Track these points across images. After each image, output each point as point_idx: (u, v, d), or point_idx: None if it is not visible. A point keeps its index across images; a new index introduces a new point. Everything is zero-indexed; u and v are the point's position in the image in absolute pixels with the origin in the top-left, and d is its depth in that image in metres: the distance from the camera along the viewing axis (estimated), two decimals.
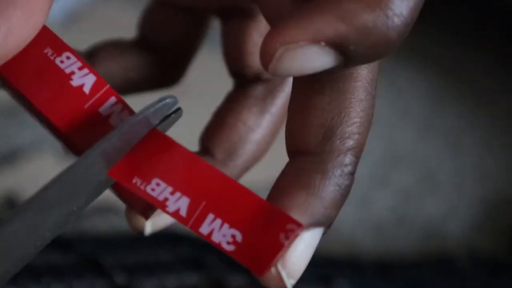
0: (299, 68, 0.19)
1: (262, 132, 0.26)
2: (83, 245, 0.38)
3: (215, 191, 0.20)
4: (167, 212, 0.20)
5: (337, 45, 0.19)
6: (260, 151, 0.27)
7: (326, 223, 0.21)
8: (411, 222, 0.54)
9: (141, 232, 0.24)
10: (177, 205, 0.20)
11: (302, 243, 0.20)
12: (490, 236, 0.54)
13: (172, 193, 0.20)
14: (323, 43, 0.19)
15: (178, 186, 0.20)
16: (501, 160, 0.61)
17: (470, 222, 0.55)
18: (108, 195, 0.28)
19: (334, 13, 0.19)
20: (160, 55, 0.28)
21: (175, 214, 0.20)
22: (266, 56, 0.19)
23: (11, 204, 0.48)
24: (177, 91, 0.30)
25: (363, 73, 0.21)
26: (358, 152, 0.21)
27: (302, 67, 0.19)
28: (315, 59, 0.19)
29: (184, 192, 0.20)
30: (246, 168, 0.27)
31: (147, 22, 0.28)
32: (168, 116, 0.21)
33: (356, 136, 0.21)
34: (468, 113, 0.65)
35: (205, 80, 0.50)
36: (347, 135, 0.21)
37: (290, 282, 0.20)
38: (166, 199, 0.20)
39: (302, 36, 0.18)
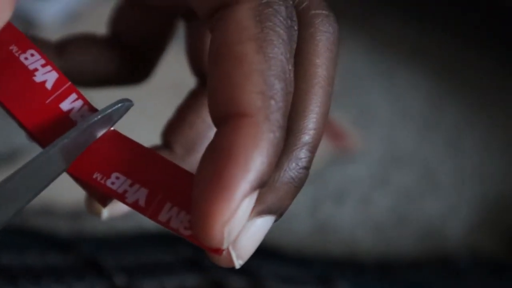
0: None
1: None
2: (83, 246, 0.38)
3: (171, 181, 0.21)
4: (127, 204, 0.21)
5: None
6: None
7: (278, 212, 0.21)
8: (411, 222, 0.54)
9: (99, 217, 0.25)
10: (136, 196, 0.21)
11: (253, 227, 0.20)
12: (490, 236, 0.54)
13: (131, 185, 0.21)
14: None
15: (136, 179, 0.21)
16: (501, 160, 0.61)
17: (470, 222, 0.55)
18: None
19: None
20: (128, 53, 0.28)
21: (135, 205, 0.21)
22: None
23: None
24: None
25: (320, 72, 0.21)
26: (313, 147, 0.21)
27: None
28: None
29: (142, 184, 0.21)
30: None
31: (117, 20, 0.29)
32: (117, 105, 0.22)
33: (312, 132, 0.21)
34: (468, 113, 0.65)
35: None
36: (303, 130, 0.21)
37: (238, 262, 0.21)
38: (125, 191, 0.21)
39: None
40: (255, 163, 0.19)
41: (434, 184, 0.57)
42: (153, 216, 0.20)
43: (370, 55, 0.69)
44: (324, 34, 0.22)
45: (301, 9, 0.22)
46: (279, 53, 0.20)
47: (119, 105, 0.22)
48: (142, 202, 0.21)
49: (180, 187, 0.21)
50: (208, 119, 0.26)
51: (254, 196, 0.19)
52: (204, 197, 0.19)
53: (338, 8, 0.81)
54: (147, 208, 0.21)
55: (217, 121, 0.20)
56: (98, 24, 0.30)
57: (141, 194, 0.21)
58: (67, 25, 0.66)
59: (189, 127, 0.27)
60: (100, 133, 0.22)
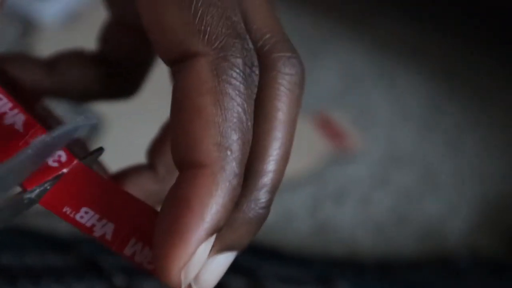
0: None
1: None
2: (83, 247, 0.37)
3: (137, 217, 0.22)
4: (95, 237, 0.22)
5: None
6: None
7: (238, 248, 0.22)
8: (411, 222, 0.54)
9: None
10: (103, 230, 0.22)
11: (214, 264, 0.22)
12: (490, 236, 0.54)
13: (99, 220, 0.22)
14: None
15: (104, 214, 0.22)
16: (501, 160, 0.61)
17: (470, 222, 0.55)
18: None
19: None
20: (117, 69, 0.29)
21: (101, 238, 0.22)
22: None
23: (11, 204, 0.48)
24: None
25: (281, 115, 0.22)
26: (272, 187, 0.22)
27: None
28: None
29: (110, 219, 0.22)
30: None
31: (105, 37, 0.29)
32: (91, 154, 0.23)
33: (271, 174, 0.22)
34: (468, 113, 0.65)
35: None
36: (263, 172, 0.22)
37: None
38: (93, 225, 0.22)
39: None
40: (210, 211, 0.20)
41: (434, 184, 0.57)
42: (119, 250, 0.22)
43: (370, 55, 0.69)
44: (286, 77, 0.22)
45: (264, 51, 0.22)
46: (235, 104, 0.21)
47: (83, 122, 0.22)
48: (109, 236, 0.22)
49: (145, 223, 0.22)
50: None
51: (210, 240, 0.21)
52: (162, 242, 0.20)
53: (338, 8, 0.81)
54: (113, 242, 0.22)
55: (178, 167, 0.21)
56: (98, 24, 0.30)
57: (108, 229, 0.22)
58: (67, 25, 0.66)
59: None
60: (53, 152, 0.23)
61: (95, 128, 0.24)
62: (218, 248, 0.21)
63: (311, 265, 0.44)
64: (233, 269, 0.38)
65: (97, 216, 0.22)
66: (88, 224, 0.22)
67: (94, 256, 0.36)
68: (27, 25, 0.65)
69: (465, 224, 0.54)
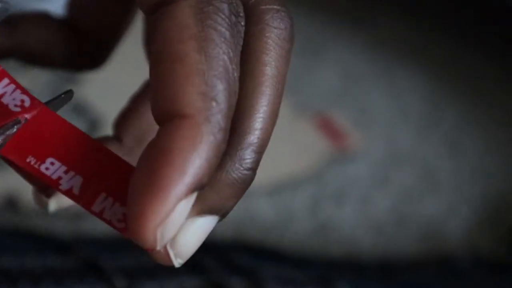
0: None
1: None
2: (83, 248, 0.37)
3: (108, 171, 0.20)
4: (60, 191, 0.20)
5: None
6: None
7: (221, 213, 0.21)
8: (411, 222, 0.54)
9: (46, 210, 0.24)
10: (71, 183, 0.20)
11: (193, 227, 0.20)
12: (490, 236, 0.54)
13: (66, 172, 0.20)
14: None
15: (72, 166, 0.20)
16: (501, 160, 0.61)
17: (470, 222, 0.55)
18: None
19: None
20: (84, 37, 0.28)
21: (68, 193, 0.20)
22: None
23: (11, 204, 0.48)
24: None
25: (269, 70, 0.21)
26: (259, 147, 0.21)
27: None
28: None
29: (78, 172, 0.20)
30: None
31: (74, 3, 0.28)
32: (59, 96, 0.22)
33: (258, 132, 0.21)
34: (468, 113, 0.65)
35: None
36: (249, 130, 0.21)
37: (178, 261, 0.20)
38: (59, 178, 0.20)
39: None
40: (192, 166, 0.18)
41: (434, 184, 0.57)
42: (86, 206, 0.20)
43: (370, 54, 0.69)
44: (274, 30, 0.21)
45: (251, 3, 0.21)
46: (221, 52, 0.19)
47: (61, 96, 0.21)
48: (76, 190, 0.20)
49: (117, 178, 0.20)
50: None
51: (191, 198, 0.19)
52: (138, 197, 0.18)
53: (338, 8, 0.81)
54: (81, 197, 0.20)
55: (159, 120, 0.19)
56: None
57: (76, 182, 0.20)
58: None
59: (139, 118, 0.26)
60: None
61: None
62: (199, 210, 0.20)
63: (311, 266, 0.44)
64: (233, 269, 0.38)
65: (64, 168, 0.20)
66: (54, 176, 0.20)
67: (94, 258, 0.36)
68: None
69: (465, 224, 0.54)
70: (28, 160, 0.20)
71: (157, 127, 0.25)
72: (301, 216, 0.52)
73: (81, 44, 0.28)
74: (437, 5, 0.74)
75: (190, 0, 0.19)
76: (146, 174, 0.19)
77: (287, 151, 0.54)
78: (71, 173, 0.20)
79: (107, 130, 0.28)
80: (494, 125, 0.64)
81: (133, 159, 0.25)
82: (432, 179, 0.58)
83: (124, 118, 0.27)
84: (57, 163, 0.20)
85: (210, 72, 0.19)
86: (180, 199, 0.18)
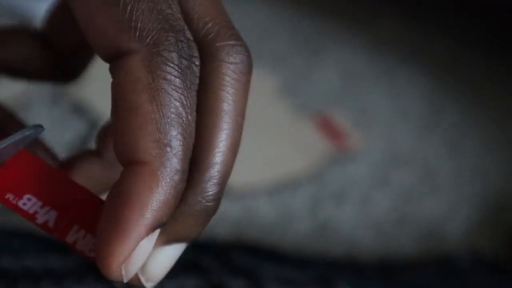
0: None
1: None
2: None
3: (80, 205, 0.22)
4: (37, 224, 0.22)
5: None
6: None
7: (187, 240, 0.22)
8: (411, 222, 0.54)
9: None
10: (46, 217, 0.22)
11: (161, 255, 0.22)
12: (490, 236, 0.54)
13: (41, 207, 0.22)
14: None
15: (47, 201, 0.22)
16: (501, 160, 0.61)
17: (470, 222, 0.55)
18: (103, 196, 0.28)
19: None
20: (59, 52, 0.29)
21: (44, 226, 0.22)
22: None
23: None
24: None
25: (225, 106, 0.22)
26: (220, 179, 0.22)
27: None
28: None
29: (52, 206, 0.22)
30: None
31: (51, 19, 0.29)
32: (28, 131, 0.23)
33: (218, 166, 0.22)
34: (468, 113, 0.65)
35: None
36: (209, 165, 0.22)
37: (149, 284, 0.22)
38: (36, 212, 0.22)
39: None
40: (150, 208, 0.20)
41: (434, 184, 0.57)
42: (61, 237, 0.22)
43: (370, 55, 0.69)
44: (230, 66, 0.22)
45: (207, 40, 0.22)
46: (172, 99, 0.21)
47: (29, 132, 0.23)
48: (51, 223, 0.22)
49: (88, 210, 0.22)
50: None
51: (153, 235, 0.21)
52: (104, 237, 0.20)
53: (338, 8, 0.81)
54: (55, 229, 0.22)
55: (121, 163, 0.21)
56: None
57: (51, 216, 0.22)
58: None
59: None
60: (7, 158, 0.23)
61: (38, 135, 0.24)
62: (165, 240, 0.22)
63: (311, 266, 0.44)
64: (233, 269, 0.38)
65: (40, 203, 0.22)
66: (31, 211, 0.22)
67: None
68: (25, 25, 0.65)
69: (465, 224, 0.54)
70: (7, 196, 0.22)
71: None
72: (301, 216, 0.52)
73: (56, 58, 0.29)
74: (437, 5, 0.74)
75: (141, 53, 0.21)
76: (110, 215, 0.20)
77: (287, 151, 0.54)
78: (46, 208, 0.22)
79: None
80: (494, 125, 0.64)
81: (113, 174, 0.26)
82: (432, 179, 0.58)
83: (105, 133, 0.27)
84: (34, 199, 0.22)
85: (163, 120, 0.20)
86: (140, 238, 0.20)
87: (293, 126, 0.58)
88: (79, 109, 0.52)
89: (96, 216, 0.21)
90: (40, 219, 0.22)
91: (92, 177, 0.27)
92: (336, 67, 0.66)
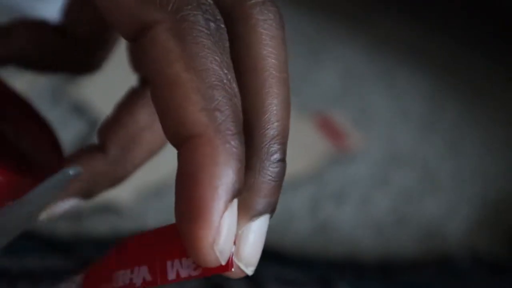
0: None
1: (153, 133, 0.27)
2: (83, 249, 0.37)
3: (159, 244, 0.22)
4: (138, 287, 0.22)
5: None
6: (151, 151, 0.27)
7: (269, 210, 0.22)
8: (411, 222, 0.54)
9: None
10: (141, 276, 0.22)
11: (251, 233, 0.21)
12: (490, 236, 0.54)
13: (132, 272, 0.22)
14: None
15: (132, 264, 0.22)
16: (501, 160, 0.61)
17: (471, 222, 0.55)
18: (106, 194, 0.28)
19: None
20: (78, 43, 0.28)
21: (144, 284, 0.22)
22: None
23: None
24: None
25: (270, 63, 0.21)
26: (282, 138, 0.22)
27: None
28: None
29: (139, 264, 0.22)
30: (137, 167, 0.27)
31: (70, 10, 0.29)
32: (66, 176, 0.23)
33: (276, 124, 0.21)
34: (468, 113, 0.65)
35: None
36: (267, 125, 0.21)
37: (249, 269, 0.21)
38: (131, 279, 0.22)
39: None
40: (220, 178, 0.19)
41: (434, 184, 0.57)
42: (164, 281, 0.21)
43: (370, 55, 0.69)
44: (266, 22, 0.22)
45: (234, 1, 0.22)
46: (208, 63, 0.20)
47: (63, 175, 0.22)
48: (148, 277, 0.22)
49: (169, 242, 0.21)
50: (141, 120, 0.27)
51: (233, 207, 0.20)
52: (186, 229, 0.19)
53: (338, 8, 0.81)
54: (156, 279, 0.21)
55: (174, 145, 0.20)
56: None
57: (144, 272, 0.22)
58: None
59: (121, 127, 0.27)
60: (46, 202, 0.22)
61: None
62: (249, 215, 0.21)
63: (311, 266, 0.44)
64: None
65: (128, 271, 0.22)
66: (127, 281, 0.22)
67: (94, 258, 0.36)
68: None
69: (465, 224, 0.54)
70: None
71: (142, 135, 0.25)
72: (301, 216, 0.52)
73: (75, 50, 0.28)
74: (437, 5, 0.74)
75: (166, 22, 0.20)
76: (184, 203, 0.19)
77: (287, 151, 0.54)
78: (136, 269, 0.22)
79: None
80: (494, 125, 0.64)
81: (117, 168, 0.25)
82: (432, 179, 0.58)
83: (108, 127, 0.27)
84: (121, 271, 0.22)
85: (204, 86, 0.20)
86: (221, 212, 0.19)
87: (293, 126, 0.57)
88: (79, 109, 0.52)
89: (175, 239, 0.21)
90: (137, 282, 0.22)
91: (96, 172, 0.26)
92: (336, 67, 0.66)
